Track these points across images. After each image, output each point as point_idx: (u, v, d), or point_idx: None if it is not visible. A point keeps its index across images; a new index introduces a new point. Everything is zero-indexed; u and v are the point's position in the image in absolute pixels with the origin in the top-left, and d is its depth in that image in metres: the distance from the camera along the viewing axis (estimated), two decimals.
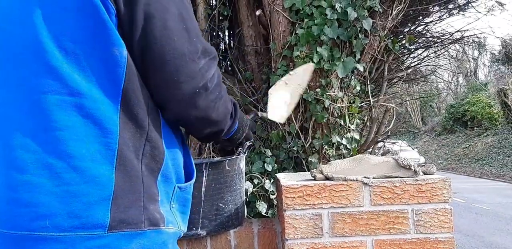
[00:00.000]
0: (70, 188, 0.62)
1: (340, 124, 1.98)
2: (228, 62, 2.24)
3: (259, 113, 1.32)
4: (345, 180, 1.12)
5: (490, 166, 15.34)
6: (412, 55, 3.17)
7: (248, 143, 1.36)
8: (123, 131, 0.66)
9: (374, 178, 1.12)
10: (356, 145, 2.05)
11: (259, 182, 1.95)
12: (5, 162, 0.65)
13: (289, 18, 1.92)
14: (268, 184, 1.93)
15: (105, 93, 0.65)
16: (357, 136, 2.05)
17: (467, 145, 18.17)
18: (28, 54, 0.65)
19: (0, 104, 0.67)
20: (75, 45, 0.65)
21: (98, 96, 0.65)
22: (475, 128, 18.75)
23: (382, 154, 1.25)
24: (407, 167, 1.12)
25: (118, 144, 0.65)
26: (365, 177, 1.12)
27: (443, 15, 3.17)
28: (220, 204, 1.22)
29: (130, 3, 0.66)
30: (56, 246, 0.61)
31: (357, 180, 1.11)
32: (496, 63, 21.84)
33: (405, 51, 2.92)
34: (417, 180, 1.11)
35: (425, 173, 1.17)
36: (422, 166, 1.19)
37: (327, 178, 1.15)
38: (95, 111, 0.65)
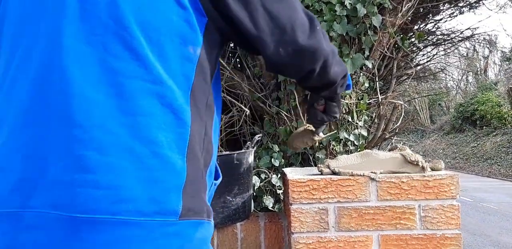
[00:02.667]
0: (151, 174, 0.62)
1: (348, 121, 1.98)
2: (237, 58, 2.24)
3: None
4: (352, 175, 1.13)
5: (499, 165, 15.21)
6: (421, 53, 3.15)
7: (256, 138, 1.37)
8: (193, 124, 0.68)
9: (381, 173, 1.13)
10: (364, 141, 2.05)
11: (266, 177, 1.96)
12: (74, 142, 0.61)
13: None
14: (275, 179, 1.94)
15: (179, 86, 0.67)
16: (364, 133, 2.05)
17: (475, 144, 18.02)
18: (110, 36, 0.64)
19: (71, 80, 0.63)
20: (159, 36, 0.66)
21: (176, 87, 0.67)
22: (484, 127, 18.57)
23: (390, 150, 1.25)
24: (415, 162, 1.12)
25: (190, 135, 0.67)
26: (372, 172, 1.12)
27: (453, 13, 3.14)
28: (228, 197, 1.23)
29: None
30: (136, 231, 0.60)
31: (364, 175, 1.12)
32: (507, 62, 21.58)
33: (414, 48, 2.90)
34: (425, 176, 1.11)
35: (432, 169, 1.17)
36: (430, 162, 1.19)
37: (333, 173, 1.16)
38: (173, 101, 0.66)
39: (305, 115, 1.10)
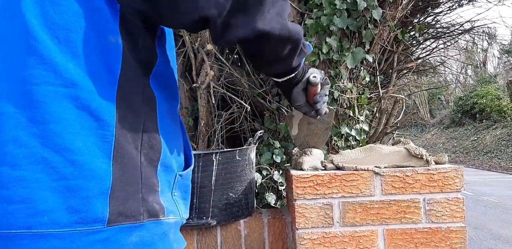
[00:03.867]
0: (68, 183, 0.60)
1: (349, 115, 1.97)
2: (236, 55, 2.23)
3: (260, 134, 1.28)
4: (356, 170, 1.12)
5: (499, 159, 15.22)
6: (421, 46, 3.14)
7: (258, 134, 1.36)
8: (120, 122, 0.64)
9: (385, 167, 1.12)
10: (365, 136, 2.05)
11: (268, 173, 1.96)
12: None
13: (297, 8, 1.90)
14: (276, 176, 1.93)
15: (101, 83, 0.63)
16: (366, 128, 2.04)
17: (475, 138, 18.03)
18: (17, 43, 0.61)
19: None
20: (68, 33, 0.62)
21: (93, 86, 0.63)
22: (484, 120, 18.58)
23: (393, 144, 1.24)
24: (419, 156, 1.11)
25: (115, 136, 0.64)
26: (376, 166, 1.11)
27: (453, 6, 3.12)
28: (230, 194, 1.22)
29: None
30: (55, 242, 0.59)
31: (368, 170, 1.11)
32: (506, 55, 21.55)
33: (414, 42, 2.89)
34: (429, 169, 1.10)
35: (437, 163, 1.16)
36: (434, 155, 1.18)
37: (337, 168, 1.15)
38: (90, 102, 0.62)
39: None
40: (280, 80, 0.90)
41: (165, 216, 0.69)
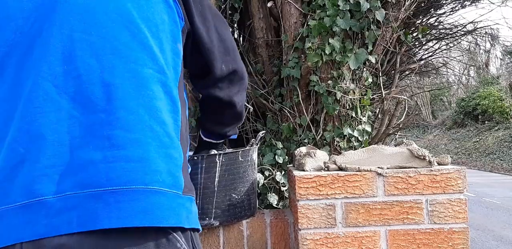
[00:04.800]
0: (167, 151, 0.69)
1: (352, 116, 1.97)
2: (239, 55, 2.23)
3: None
4: (359, 171, 1.12)
5: (501, 160, 15.19)
6: (424, 47, 3.14)
7: (260, 134, 1.36)
8: (182, 112, 0.75)
9: (388, 168, 1.12)
10: (368, 137, 2.05)
11: (270, 174, 1.96)
12: (100, 124, 0.66)
13: (300, 9, 1.90)
14: (279, 176, 1.93)
15: (172, 77, 0.75)
16: (368, 128, 2.04)
17: (477, 139, 17.99)
18: (119, 29, 0.70)
19: (89, 69, 0.68)
20: (158, 32, 0.73)
21: (172, 77, 0.74)
22: (486, 122, 18.54)
23: (396, 145, 1.24)
24: (422, 157, 1.11)
25: (180, 122, 0.75)
26: (379, 167, 1.12)
27: (455, 7, 3.12)
28: (233, 195, 1.22)
29: (200, 7, 0.83)
30: (163, 199, 0.66)
31: (371, 171, 1.11)
32: (509, 56, 21.49)
33: (417, 43, 2.89)
34: (432, 170, 1.11)
35: (439, 164, 1.17)
36: (437, 156, 1.18)
37: (340, 169, 1.15)
38: (172, 90, 0.73)
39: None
40: (210, 140, 1.13)
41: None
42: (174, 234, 0.67)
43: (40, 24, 0.69)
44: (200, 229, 0.76)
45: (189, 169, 0.88)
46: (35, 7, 0.70)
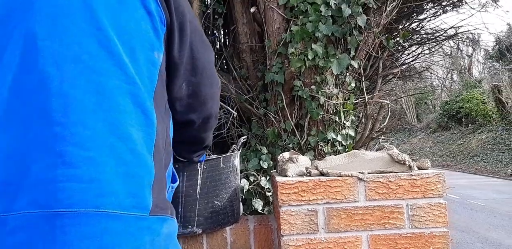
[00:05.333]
0: (128, 169, 0.64)
1: (335, 121, 1.99)
2: (224, 60, 2.23)
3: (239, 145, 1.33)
4: (340, 176, 1.12)
5: (485, 162, 15.44)
6: (406, 52, 3.18)
7: (242, 140, 1.36)
8: (158, 124, 0.71)
9: (369, 173, 1.13)
10: (352, 141, 2.06)
11: (255, 179, 1.95)
12: (54, 139, 0.61)
13: (283, 15, 1.91)
14: (264, 181, 1.93)
15: (146, 88, 0.70)
16: (352, 133, 2.05)
17: (461, 142, 18.27)
18: (86, 37, 0.66)
19: (48, 79, 0.64)
20: (131, 40, 0.69)
21: (144, 88, 0.69)
22: (470, 124, 18.85)
23: (377, 150, 1.25)
24: (402, 162, 1.12)
25: (155, 135, 0.70)
26: (360, 172, 1.12)
27: (437, 12, 3.18)
28: (216, 202, 1.22)
29: (181, 17, 0.77)
30: (117, 224, 0.61)
31: (352, 176, 1.12)
32: (490, 60, 21.95)
33: (399, 48, 2.92)
34: (412, 175, 1.12)
35: (419, 168, 1.18)
36: (417, 160, 1.19)
37: (322, 174, 1.16)
38: (143, 101, 0.69)
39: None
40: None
41: (174, 217, 0.74)
42: None
43: (6, 26, 0.66)
44: None
45: (174, 185, 0.84)
46: (4, 9, 0.68)
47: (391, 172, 1.13)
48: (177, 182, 0.87)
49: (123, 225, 0.61)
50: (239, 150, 1.23)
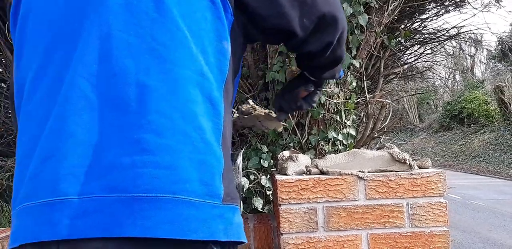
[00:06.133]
0: (201, 157, 0.65)
1: (336, 120, 1.98)
2: None
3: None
4: (340, 174, 1.12)
5: (487, 163, 15.40)
6: (408, 52, 3.18)
7: (241, 154, 1.35)
8: (225, 116, 0.72)
9: (369, 172, 1.13)
10: (353, 141, 2.06)
11: (256, 178, 1.95)
12: (131, 127, 0.63)
13: None
14: (264, 180, 1.93)
15: (216, 79, 0.71)
16: (353, 132, 2.05)
17: (464, 142, 18.24)
18: (158, 28, 0.67)
19: (124, 70, 0.65)
20: (199, 30, 0.69)
21: (213, 79, 0.70)
22: (472, 125, 18.81)
23: (378, 149, 1.25)
24: (402, 161, 1.12)
25: (223, 126, 0.71)
26: (360, 171, 1.12)
27: (439, 12, 3.17)
28: None
29: None
30: (191, 210, 0.62)
31: (352, 174, 1.12)
32: (493, 60, 21.89)
33: (401, 47, 2.92)
34: (412, 174, 1.11)
35: (420, 167, 1.18)
36: (418, 160, 1.19)
37: (322, 173, 1.16)
38: (211, 92, 0.69)
39: (275, 100, 1.13)
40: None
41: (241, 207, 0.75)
42: (214, 247, 0.63)
43: (80, 20, 0.68)
44: (245, 241, 0.70)
45: (239, 176, 0.84)
46: (75, 3, 0.69)
47: (392, 171, 1.13)
48: (238, 176, 0.90)
49: (198, 212, 0.63)
50: (242, 148, 1.23)
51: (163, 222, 0.60)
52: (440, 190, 1.12)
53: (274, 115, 1.19)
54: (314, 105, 1.06)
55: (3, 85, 2.76)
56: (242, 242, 0.70)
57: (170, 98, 0.65)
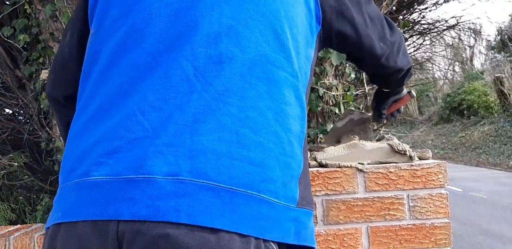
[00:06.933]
0: (286, 159, 0.65)
1: (335, 113, 1.96)
2: None
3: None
4: (339, 167, 1.10)
5: (487, 154, 15.41)
6: (407, 43, 3.15)
7: None
8: (305, 119, 0.73)
9: (368, 164, 1.11)
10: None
11: None
12: (230, 118, 0.62)
13: None
14: None
15: (302, 83, 0.71)
16: None
17: (464, 134, 18.24)
18: (266, 24, 0.67)
19: (232, 59, 0.65)
20: (297, 34, 0.71)
21: (302, 83, 0.71)
22: (472, 117, 18.79)
23: (377, 140, 1.23)
24: (402, 152, 1.10)
25: (304, 129, 0.71)
26: (359, 163, 1.10)
27: (438, 1, 3.14)
28: None
29: (337, 6, 0.78)
30: (270, 211, 0.61)
31: (351, 167, 1.09)
32: (492, 51, 21.82)
33: None
34: (412, 165, 1.09)
35: (420, 158, 1.15)
36: (418, 151, 1.17)
37: (320, 165, 1.14)
38: (302, 95, 0.70)
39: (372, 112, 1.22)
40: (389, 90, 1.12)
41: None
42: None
43: (193, 3, 0.67)
44: (315, 246, 0.70)
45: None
46: None
47: (391, 163, 1.11)
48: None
49: (275, 213, 0.62)
50: None
51: (246, 219, 0.59)
52: (441, 182, 1.10)
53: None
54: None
55: None
56: (312, 248, 0.69)
57: (266, 97, 0.65)
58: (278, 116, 0.65)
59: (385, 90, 1.12)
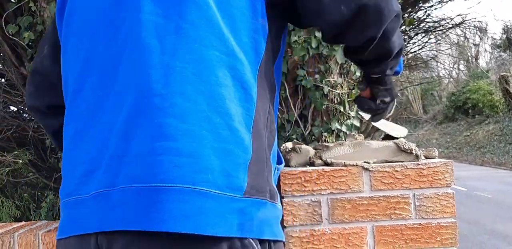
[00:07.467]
0: (225, 146, 0.60)
1: (340, 111, 1.95)
2: None
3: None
4: (345, 165, 1.09)
5: (492, 154, 15.33)
6: (412, 41, 3.13)
7: None
8: (258, 100, 0.66)
9: (374, 163, 1.10)
10: (356, 132, 2.03)
11: None
12: (153, 110, 0.59)
13: None
14: None
15: (250, 60, 0.65)
16: (357, 123, 2.02)
17: (468, 133, 18.14)
18: (186, 6, 0.63)
19: (149, 50, 0.62)
20: (231, 8, 0.64)
21: (246, 60, 0.65)
22: (477, 116, 18.69)
23: (383, 139, 1.22)
24: (408, 151, 1.09)
25: (255, 111, 0.65)
26: (365, 162, 1.09)
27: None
28: None
29: None
30: (211, 203, 0.57)
31: (357, 165, 1.09)
32: (498, 50, 21.68)
33: (405, 36, 2.87)
34: (419, 164, 1.08)
35: (426, 157, 1.14)
36: (424, 150, 1.16)
37: (326, 164, 1.13)
38: (243, 75, 0.64)
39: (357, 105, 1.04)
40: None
41: (277, 202, 0.69)
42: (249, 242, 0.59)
43: (118, 9, 0.66)
44: (276, 238, 0.65)
45: (280, 166, 0.77)
46: None
47: (398, 162, 1.10)
48: (283, 164, 0.80)
49: (216, 205, 0.58)
50: None
51: (181, 215, 0.56)
52: (447, 181, 1.09)
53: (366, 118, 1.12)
54: (387, 99, 0.94)
55: (2, 79, 2.73)
56: (277, 240, 0.66)
57: (195, 80, 0.60)
58: (211, 100, 0.60)
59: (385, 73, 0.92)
